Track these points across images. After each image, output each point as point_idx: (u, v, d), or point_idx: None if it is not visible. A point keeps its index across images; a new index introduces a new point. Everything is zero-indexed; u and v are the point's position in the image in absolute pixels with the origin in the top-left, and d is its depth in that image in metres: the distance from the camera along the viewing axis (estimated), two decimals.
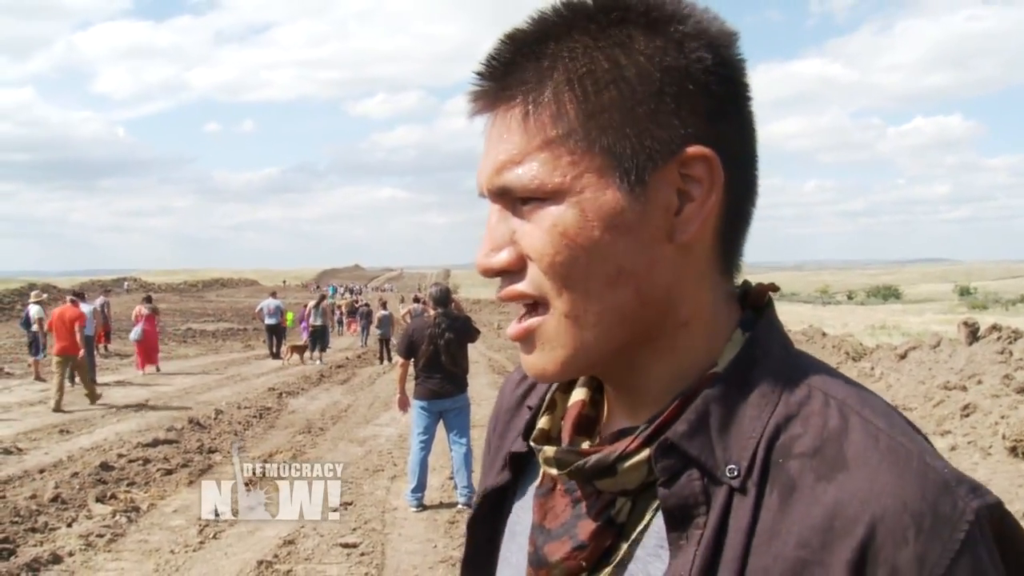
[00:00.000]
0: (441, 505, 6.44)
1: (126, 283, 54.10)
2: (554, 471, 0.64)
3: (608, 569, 0.61)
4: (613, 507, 0.62)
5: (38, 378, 14.06)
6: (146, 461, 7.58)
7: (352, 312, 30.75)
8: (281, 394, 12.82)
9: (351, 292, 62.05)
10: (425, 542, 5.58)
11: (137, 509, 6.19)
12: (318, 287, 65.79)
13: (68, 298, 12.76)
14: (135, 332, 15.82)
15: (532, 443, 0.69)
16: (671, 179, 0.59)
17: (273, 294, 21.44)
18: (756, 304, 0.66)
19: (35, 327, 14.50)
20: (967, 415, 7.94)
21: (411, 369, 6.44)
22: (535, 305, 0.62)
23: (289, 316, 21.01)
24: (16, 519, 5.70)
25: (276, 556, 5.18)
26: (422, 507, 6.30)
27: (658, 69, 0.58)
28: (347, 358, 20.27)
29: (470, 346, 6.54)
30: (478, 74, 0.63)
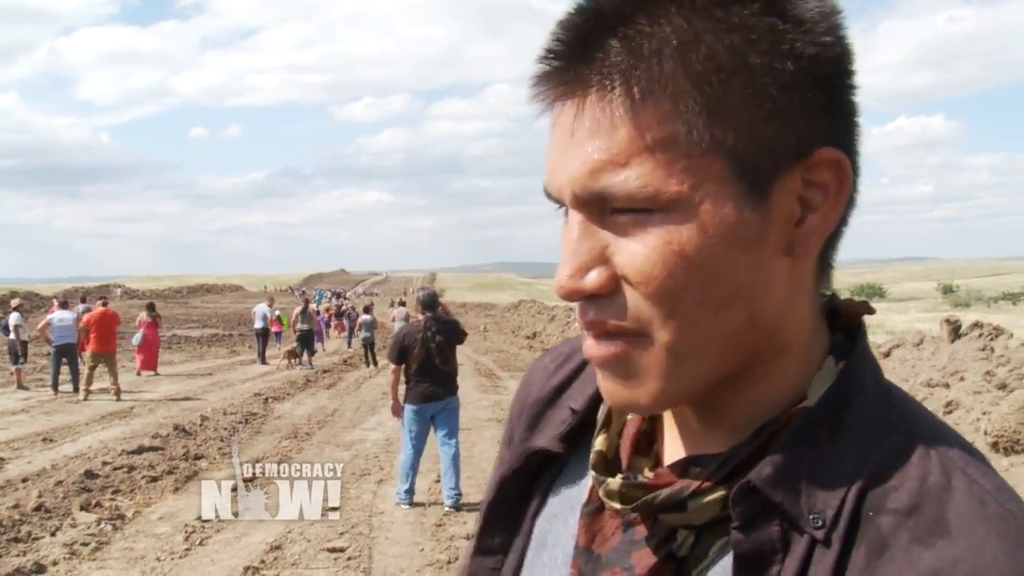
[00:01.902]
0: (428, 508, 6.43)
1: (119, 290, 53.76)
2: (616, 505, 0.57)
3: None
4: (674, 540, 0.55)
5: (20, 386, 13.93)
6: (131, 468, 7.52)
7: (339, 315, 30.95)
8: (267, 399, 12.75)
9: (337, 296, 61.95)
10: (412, 545, 5.57)
11: (122, 517, 6.14)
12: (303, 292, 65.62)
13: (99, 301, 15.27)
14: (137, 337, 16.60)
15: (593, 472, 0.61)
16: (794, 186, 0.51)
17: (271, 301, 21.45)
18: (847, 327, 0.58)
19: (13, 335, 14.41)
20: (950, 412, 8.01)
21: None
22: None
23: (284, 320, 21.12)
24: None
25: (263, 562, 5.16)
26: (411, 503, 6.36)
27: (787, 57, 0.49)
28: (333, 362, 20.22)
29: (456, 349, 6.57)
30: (552, 52, 0.51)
